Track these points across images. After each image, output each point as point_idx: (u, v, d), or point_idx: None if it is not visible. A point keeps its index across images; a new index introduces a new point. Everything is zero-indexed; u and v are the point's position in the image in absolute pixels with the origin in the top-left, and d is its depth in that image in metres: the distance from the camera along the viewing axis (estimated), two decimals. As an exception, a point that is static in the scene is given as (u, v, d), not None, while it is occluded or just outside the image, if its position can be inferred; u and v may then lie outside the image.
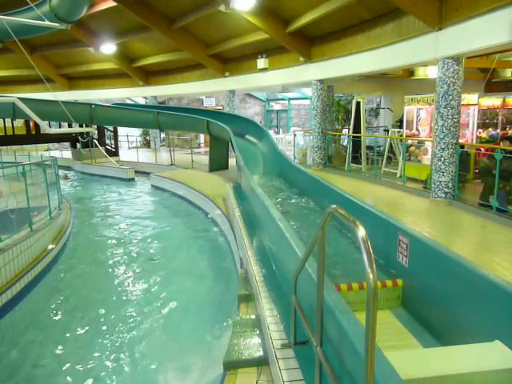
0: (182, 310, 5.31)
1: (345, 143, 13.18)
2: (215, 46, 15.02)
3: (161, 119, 14.19)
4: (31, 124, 16.29)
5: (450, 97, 7.60)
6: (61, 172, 15.78)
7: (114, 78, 21.02)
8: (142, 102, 23.18)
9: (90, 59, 19.84)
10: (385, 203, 8.08)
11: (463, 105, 8.52)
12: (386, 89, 14.29)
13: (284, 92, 21.56)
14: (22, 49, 9.53)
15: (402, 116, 11.13)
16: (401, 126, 11.48)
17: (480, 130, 10.64)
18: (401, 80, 13.88)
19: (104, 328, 4.92)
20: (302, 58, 12.24)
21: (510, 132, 10.51)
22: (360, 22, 10.08)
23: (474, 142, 9.89)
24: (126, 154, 19.49)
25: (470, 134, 9.99)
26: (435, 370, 2.10)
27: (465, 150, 8.29)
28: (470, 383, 2.10)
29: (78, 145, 18.17)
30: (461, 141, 8.32)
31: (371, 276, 1.50)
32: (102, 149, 17.63)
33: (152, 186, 13.51)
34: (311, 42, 12.00)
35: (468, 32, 6.97)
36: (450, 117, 7.69)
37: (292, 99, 24.11)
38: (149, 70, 19.63)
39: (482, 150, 8.67)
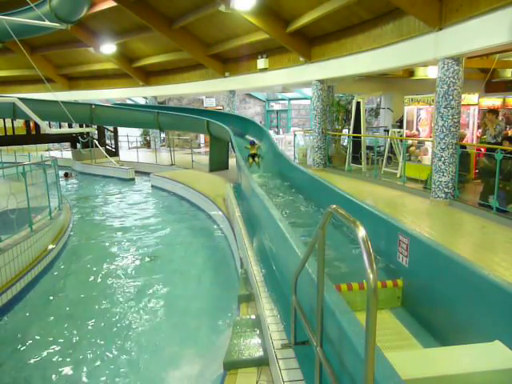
0: (179, 309, 5.32)
1: (345, 143, 13.18)
2: (215, 46, 15.02)
3: (161, 119, 14.19)
4: (31, 124, 16.29)
5: (450, 97, 7.60)
6: (61, 172, 15.83)
7: (114, 78, 21.02)
8: (142, 102, 23.18)
9: (90, 59, 19.84)
10: (385, 203, 8.08)
11: (463, 105, 8.51)
12: (386, 89, 14.29)
13: (284, 92, 21.54)
14: (22, 49, 9.56)
15: (402, 116, 11.13)
16: (401, 126, 11.47)
17: (480, 130, 10.63)
18: (401, 80, 13.88)
19: (104, 328, 4.92)
20: (302, 58, 12.24)
21: (510, 132, 10.49)
22: (360, 22, 10.07)
23: (474, 142, 9.88)
24: (126, 154, 19.49)
25: (470, 134, 9.98)
26: (435, 370, 2.09)
27: (465, 150, 8.28)
28: (469, 383, 2.09)
29: (78, 145, 18.17)
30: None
31: (371, 276, 1.50)
32: (102, 149, 17.64)
33: (152, 186, 13.52)
34: (311, 42, 12.00)
35: (468, 32, 6.97)
36: (450, 117, 7.68)
37: (292, 99, 24.10)
38: (149, 70, 19.63)
39: (482, 150, 8.67)
